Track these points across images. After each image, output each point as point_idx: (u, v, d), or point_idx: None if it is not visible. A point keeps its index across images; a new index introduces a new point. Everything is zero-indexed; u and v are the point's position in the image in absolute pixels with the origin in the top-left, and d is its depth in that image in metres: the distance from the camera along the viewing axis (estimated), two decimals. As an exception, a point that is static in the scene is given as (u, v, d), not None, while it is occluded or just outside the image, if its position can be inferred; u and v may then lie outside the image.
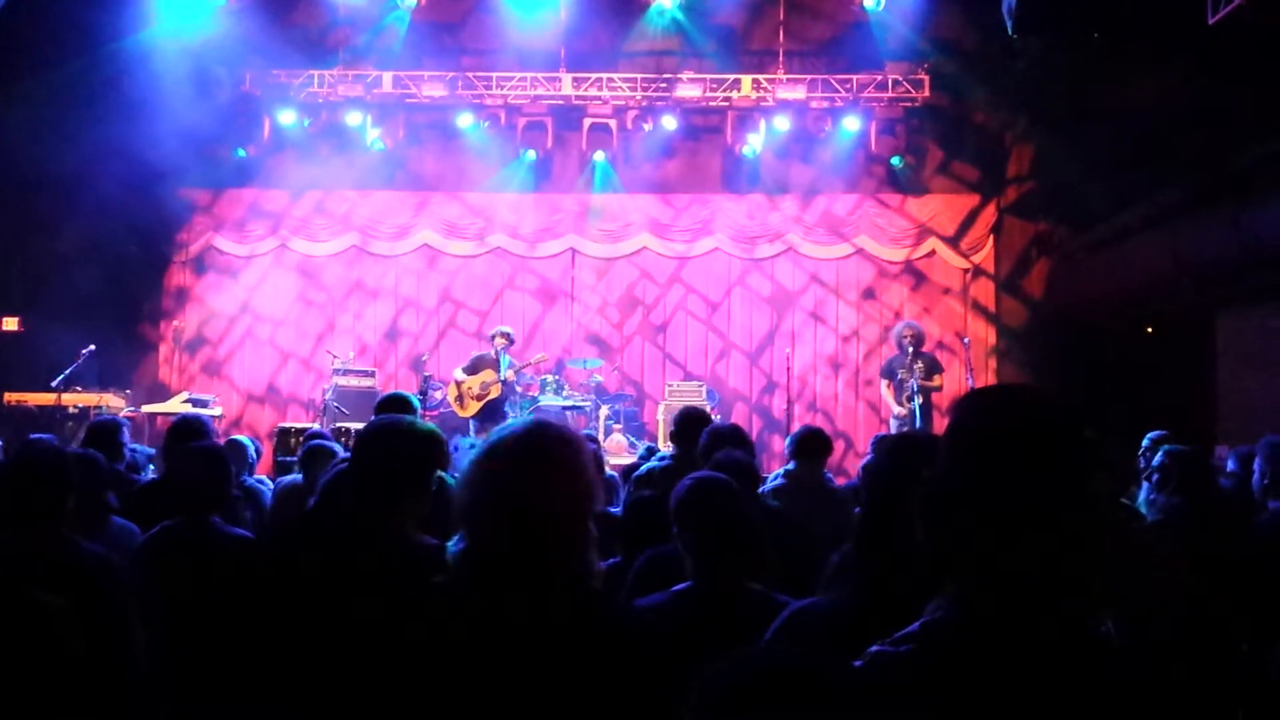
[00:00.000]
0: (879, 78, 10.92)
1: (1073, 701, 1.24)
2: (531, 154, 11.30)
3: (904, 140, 11.19)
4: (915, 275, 11.56)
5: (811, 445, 4.56)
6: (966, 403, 1.41)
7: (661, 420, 10.22)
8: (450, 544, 1.77)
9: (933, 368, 9.36)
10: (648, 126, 11.11)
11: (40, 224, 10.57)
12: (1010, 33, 9.18)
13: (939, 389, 9.41)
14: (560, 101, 11.12)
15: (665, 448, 6.77)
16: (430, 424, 2.61)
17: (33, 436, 2.83)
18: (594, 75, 11.09)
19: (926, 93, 10.86)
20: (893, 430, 9.50)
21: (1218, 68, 7.58)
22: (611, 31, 11.31)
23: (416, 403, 4.01)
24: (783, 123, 10.94)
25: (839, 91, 10.87)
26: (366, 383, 10.52)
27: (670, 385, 10.89)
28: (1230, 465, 4.79)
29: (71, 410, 9.32)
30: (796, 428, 5.53)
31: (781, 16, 11.31)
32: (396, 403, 3.81)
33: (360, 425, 7.17)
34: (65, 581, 2.32)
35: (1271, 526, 3.83)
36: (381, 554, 2.28)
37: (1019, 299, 11.41)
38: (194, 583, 3.04)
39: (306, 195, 11.52)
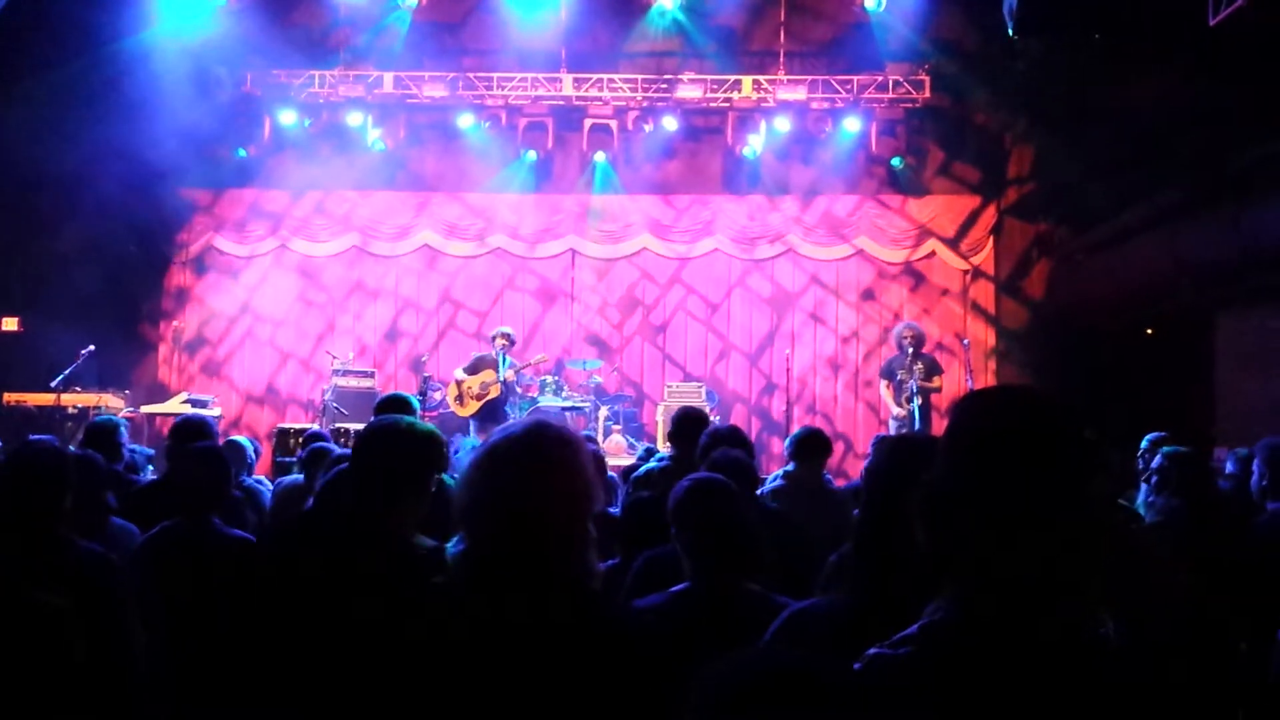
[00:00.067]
0: (879, 78, 10.92)
1: (1072, 703, 1.24)
2: (532, 154, 11.29)
3: (904, 141, 11.20)
4: (915, 276, 11.56)
5: (811, 446, 4.56)
6: (965, 404, 1.41)
7: (661, 421, 10.22)
8: (450, 545, 1.77)
9: (932, 369, 9.36)
10: (648, 127, 11.11)
11: (40, 224, 10.57)
12: (1011, 33, 9.19)
13: (938, 390, 9.41)
14: (561, 102, 11.12)
15: (664, 449, 6.76)
16: (430, 425, 2.61)
17: (32, 437, 2.83)
18: (595, 76, 11.09)
19: (927, 94, 10.86)
20: (892, 431, 9.49)
21: (1218, 68, 7.58)
22: (612, 32, 11.31)
23: (416, 403, 4.01)
24: (783, 123, 10.94)
25: (839, 92, 10.87)
26: (366, 383, 10.51)
27: (669, 386, 10.88)
28: (1229, 467, 4.80)
29: (71, 410, 9.31)
30: (796, 429, 5.52)
31: (782, 17, 11.31)
32: (396, 403, 3.80)
33: (360, 426, 7.18)
34: (64, 581, 2.32)
35: (1270, 528, 3.84)
36: (381, 554, 2.28)
37: (1019, 300, 11.41)
38: (194, 583, 3.05)
39: (307, 195, 11.52)
